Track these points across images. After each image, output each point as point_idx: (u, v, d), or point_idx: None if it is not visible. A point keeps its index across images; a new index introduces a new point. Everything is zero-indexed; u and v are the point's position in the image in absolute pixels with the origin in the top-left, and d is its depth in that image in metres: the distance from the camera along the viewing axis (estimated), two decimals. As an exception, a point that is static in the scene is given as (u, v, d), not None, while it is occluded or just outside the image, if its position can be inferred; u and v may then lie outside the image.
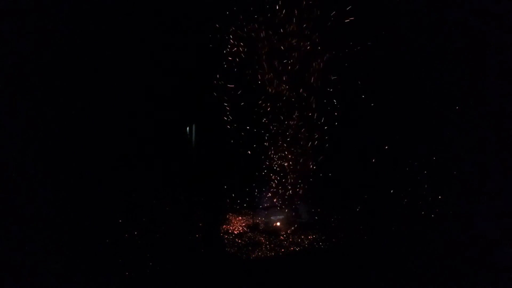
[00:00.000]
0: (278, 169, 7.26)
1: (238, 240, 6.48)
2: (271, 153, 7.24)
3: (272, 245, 6.34)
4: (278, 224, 7.01)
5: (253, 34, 6.79)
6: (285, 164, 7.28)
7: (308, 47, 6.84)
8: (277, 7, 6.69)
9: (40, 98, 6.18)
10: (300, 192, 7.22)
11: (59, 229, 5.79)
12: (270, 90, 7.06)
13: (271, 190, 7.22)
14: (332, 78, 6.91)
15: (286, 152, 7.24)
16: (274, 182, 7.22)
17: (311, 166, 7.26)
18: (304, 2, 6.65)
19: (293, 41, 6.83)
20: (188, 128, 7.34)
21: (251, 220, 7.08)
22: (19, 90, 6.03)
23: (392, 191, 6.78)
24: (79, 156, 6.35)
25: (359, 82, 6.86)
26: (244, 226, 6.92)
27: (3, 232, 5.48)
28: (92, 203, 6.21)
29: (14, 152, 5.89)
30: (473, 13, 6.36)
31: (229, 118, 7.17)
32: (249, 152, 7.24)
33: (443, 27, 6.57)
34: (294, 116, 7.19)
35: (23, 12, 5.96)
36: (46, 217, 5.82)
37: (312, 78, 6.96)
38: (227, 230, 6.75)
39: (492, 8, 6.26)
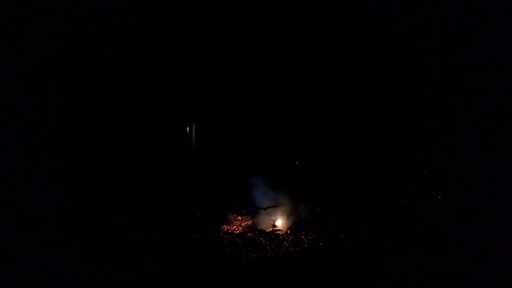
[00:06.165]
0: (278, 169, 7.26)
1: (238, 240, 6.48)
2: (271, 153, 7.25)
3: (272, 245, 6.34)
4: (278, 224, 7.01)
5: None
6: (286, 164, 7.28)
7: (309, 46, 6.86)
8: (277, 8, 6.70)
9: (41, 98, 6.18)
10: (300, 192, 7.23)
11: (60, 229, 5.80)
12: (270, 89, 7.07)
13: (271, 190, 7.23)
14: (334, 77, 6.92)
15: (286, 152, 7.25)
16: (274, 182, 7.22)
17: (311, 166, 7.25)
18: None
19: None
20: (188, 128, 7.35)
21: (251, 220, 7.08)
22: (20, 90, 6.03)
23: (392, 191, 6.78)
24: (79, 156, 6.35)
25: (360, 82, 6.87)
26: (244, 226, 6.92)
27: (3, 232, 5.48)
28: (92, 203, 6.22)
29: (14, 152, 5.90)
30: (473, 12, 6.36)
31: (229, 119, 7.18)
32: (249, 152, 7.24)
33: (443, 27, 6.57)
34: (294, 116, 7.20)
35: (24, 12, 5.96)
36: (47, 217, 5.83)
37: (313, 78, 6.97)
38: (227, 230, 6.75)
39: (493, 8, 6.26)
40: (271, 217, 7.08)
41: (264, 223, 7.03)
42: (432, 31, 6.57)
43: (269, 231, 6.80)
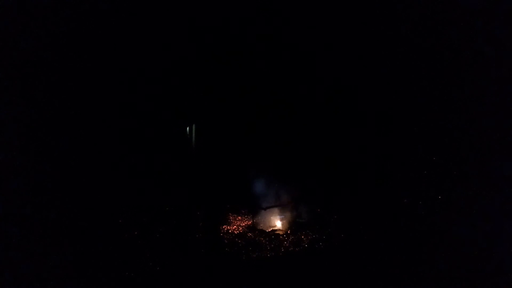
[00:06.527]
0: (277, 169, 7.26)
1: (238, 240, 6.48)
2: (272, 153, 7.24)
3: (272, 245, 6.34)
4: (278, 224, 7.01)
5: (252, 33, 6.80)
6: (285, 164, 7.28)
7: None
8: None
9: (41, 99, 6.18)
10: (300, 192, 7.22)
11: (60, 229, 5.80)
12: (270, 89, 7.06)
13: (271, 190, 7.22)
14: (335, 77, 6.92)
15: (286, 152, 7.24)
16: (274, 182, 7.22)
17: (311, 166, 7.25)
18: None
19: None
20: (188, 128, 7.34)
21: (251, 220, 7.08)
22: (20, 90, 6.03)
23: (392, 191, 6.77)
24: (79, 156, 6.35)
25: (361, 82, 6.87)
26: (244, 226, 6.92)
27: (3, 232, 5.48)
28: (92, 203, 6.21)
29: (14, 152, 5.89)
30: (473, 12, 6.36)
31: (229, 118, 7.18)
32: (249, 152, 7.24)
33: (443, 27, 6.57)
34: (294, 116, 7.20)
35: (24, 11, 5.96)
36: (47, 217, 5.82)
37: (313, 77, 6.97)
38: (227, 230, 6.75)
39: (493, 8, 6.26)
40: (271, 217, 7.08)
41: (264, 223, 7.03)
42: (431, 30, 6.57)
43: (269, 231, 6.80)
